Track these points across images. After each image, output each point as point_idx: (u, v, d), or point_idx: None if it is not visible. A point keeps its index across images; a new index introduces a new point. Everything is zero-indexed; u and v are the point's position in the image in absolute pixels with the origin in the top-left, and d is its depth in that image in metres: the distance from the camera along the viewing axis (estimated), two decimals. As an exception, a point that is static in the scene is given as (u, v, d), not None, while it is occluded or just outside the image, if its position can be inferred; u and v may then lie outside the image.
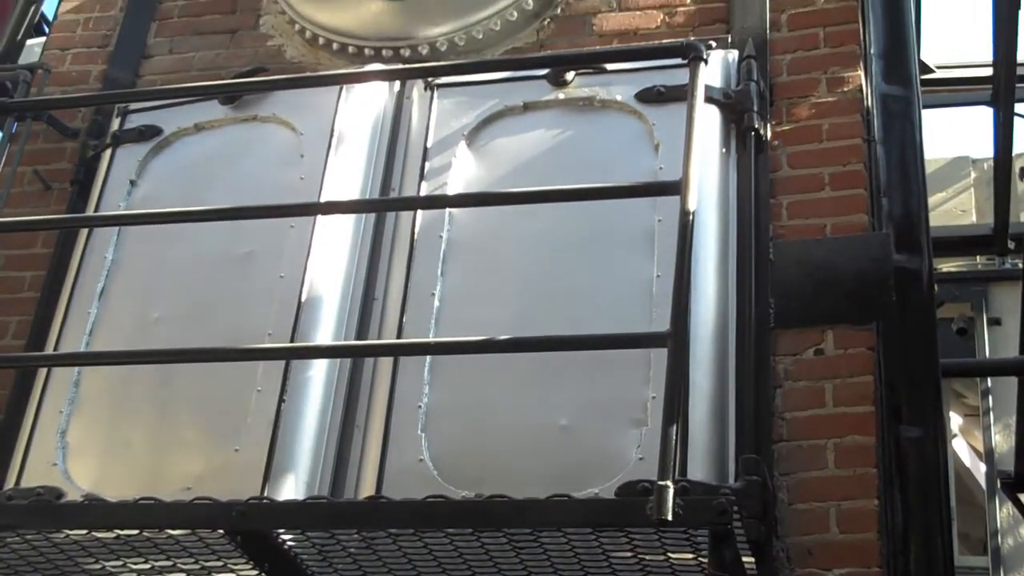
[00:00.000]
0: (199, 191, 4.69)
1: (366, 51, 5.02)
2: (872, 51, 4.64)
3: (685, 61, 3.71)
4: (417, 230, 4.37)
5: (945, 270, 9.51)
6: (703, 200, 4.01)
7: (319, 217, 4.38)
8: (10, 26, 5.17)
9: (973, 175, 10.71)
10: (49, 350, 4.54)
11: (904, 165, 4.45)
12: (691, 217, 3.40)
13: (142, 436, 4.25)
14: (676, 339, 3.23)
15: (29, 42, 6.66)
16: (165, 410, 4.25)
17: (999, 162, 8.71)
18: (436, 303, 4.24)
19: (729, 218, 4.25)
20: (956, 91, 9.92)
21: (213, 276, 4.48)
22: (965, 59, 10.33)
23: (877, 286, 4.15)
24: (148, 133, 4.90)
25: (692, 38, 4.68)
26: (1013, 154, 8.83)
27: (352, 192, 4.50)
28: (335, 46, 5.10)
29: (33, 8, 5.22)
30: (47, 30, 6.16)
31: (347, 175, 4.53)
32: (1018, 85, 8.46)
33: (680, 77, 3.95)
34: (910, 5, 4.79)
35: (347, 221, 4.43)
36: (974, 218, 10.44)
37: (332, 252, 4.36)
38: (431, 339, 4.13)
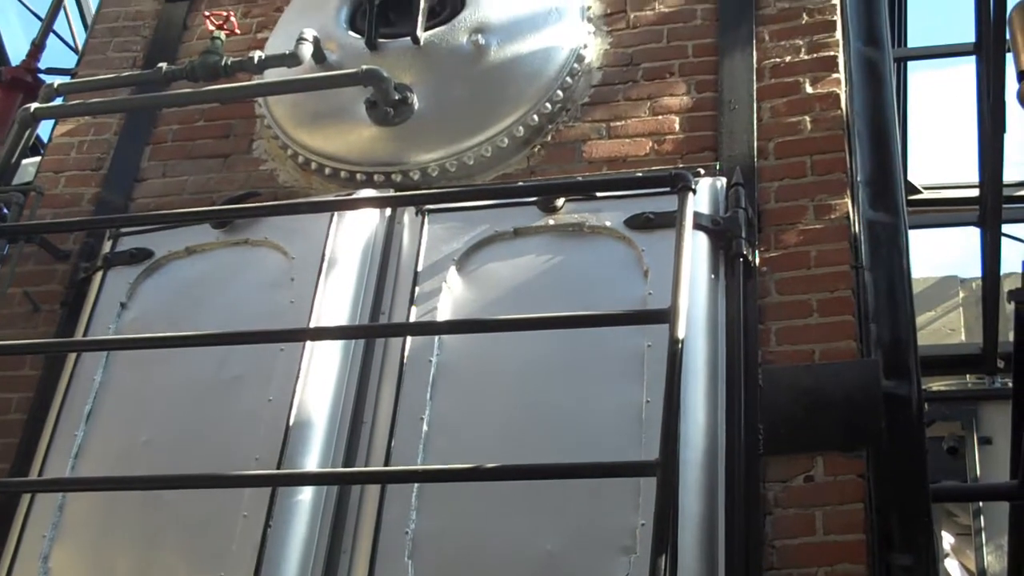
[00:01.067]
0: (189, 314, 4.71)
1: (358, 176, 5.06)
2: (859, 178, 4.69)
3: (674, 190, 3.76)
4: (406, 354, 4.37)
5: (935, 389, 9.53)
6: (692, 326, 4.03)
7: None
8: (4, 149, 5.20)
9: (961, 294, 10.79)
10: (35, 473, 4.50)
11: (892, 291, 4.47)
12: (680, 346, 3.40)
13: (127, 562, 4.21)
14: (665, 468, 3.21)
15: (24, 161, 6.72)
16: (150, 535, 4.21)
17: (987, 282, 8.78)
18: (425, 428, 4.22)
19: (718, 344, 4.26)
20: (943, 211, 10.02)
21: (202, 399, 4.47)
22: (951, 179, 10.45)
23: (867, 413, 4.14)
24: (139, 256, 4.93)
25: (681, 166, 4.75)
26: (1001, 274, 8.90)
27: (342, 315, 4.51)
28: (327, 171, 5.14)
29: (28, 131, 5.24)
30: (42, 151, 6.20)
31: (337, 299, 4.54)
32: (1005, 206, 8.56)
33: (669, 203, 3.98)
34: (896, 133, 4.85)
35: (336, 345, 4.43)
36: (963, 337, 10.50)
37: (321, 376, 4.35)
38: (419, 467, 4.11)
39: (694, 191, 3.81)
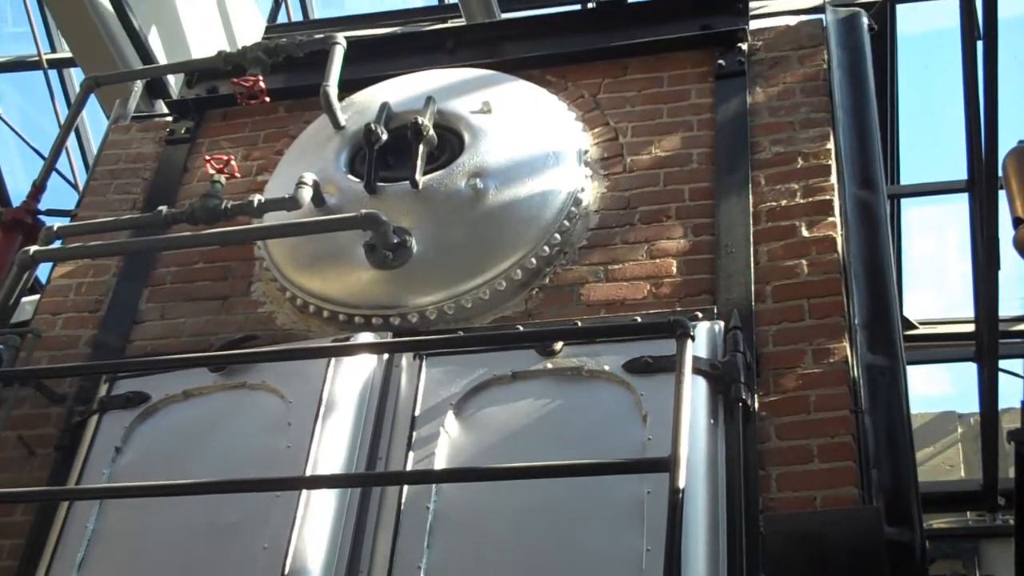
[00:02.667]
0: (185, 458, 4.68)
1: (356, 319, 5.07)
2: (856, 321, 4.69)
3: (673, 337, 3.76)
4: (403, 501, 4.33)
5: (936, 526, 9.43)
6: (692, 473, 3.99)
7: (305, 488, 4.35)
8: (3, 291, 5.21)
9: (960, 430, 10.74)
10: (26, 623, 4.43)
11: (892, 436, 4.44)
12: (681, 495, 3.38)
13: None
14: (668, 622, 3.17)
15: (23, 299, 6.73)
16: None
17: (985, 417, 8.76)
18: (422, 576, 4.17)
19: (718, 490, 4.22)
20: (940, 347, 10.03)
21: (196, 547, 4.42)
22: (946, 313, 10.48)
23: (869, 560, 4.08)
24: (135, 400, 4.91)
25: (679, 309, 4.76)
26: (999, 409, 8.88)
27: (339, 460, 4.48)
28: (325, 313, 5.15)
29: (27, 274, 5.26)
30: (40, 291, 6.21)
31: (334, 444, 4.51)
32: (1001, 341, 8.57)
33: (667, 347, 3.98)
34: (892, 275, 4.86)
35: (333, 491, 4.39)
36: (963, 473, 10.42)
37: (317, 523, 4.30)
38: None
39: (693, 338, 3.82)
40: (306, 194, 5.17)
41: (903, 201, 10.25)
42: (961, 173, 8.69)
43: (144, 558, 4.45)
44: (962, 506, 9.60)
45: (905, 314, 9.43)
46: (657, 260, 5.03)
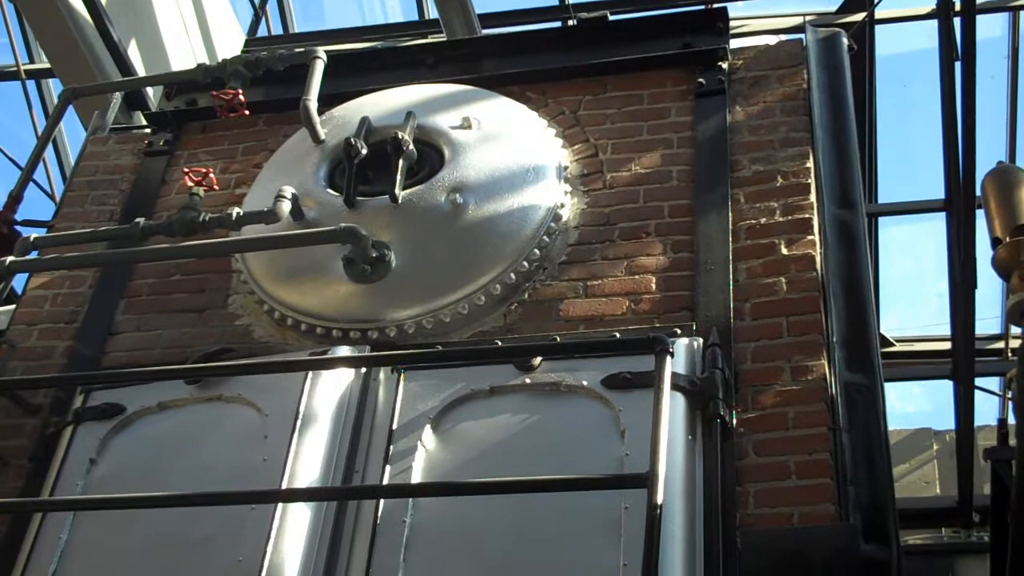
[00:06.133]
0: (160, 470, 4.66)
1: (334, 332, 5.05)
2: (834, 339, 4.70)
3: (652, 353, 3.76)
4: (380, 514, 4.31)
5: (911, 542, 9.45)
6: (670, 489, 3.97)
7: (281, 502, 4.33)
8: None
9: (935, 447, 10.79)
10: (-4, 636, 4.40)
11: (870, 454, 4.44)
12: (659, 512, 3.38)
13: None
14: (645, 639, 3.16)
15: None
16: None
17: (961, 435, 8.81)
18: (398, 590, 4.15)
19: (696, 506, 4.21)
20: (916, 364, 10.08)
21: (170, 559, 4.38)
22: (923, 331, 10.54)
23: (846, 578, 4.10)
24: (110, 411, 4.88)
25: (658, 326, 4.76)
26: (975, 426, 8.92)
27: (315, 473, 4.46)
28: (303, 327, 5.13)
29: (3, 284, 5.23)
30: (15, 301, 6.17)
31: (311, 457, 4.49)
32: (977, 359, 8.62)
33: (646, 363, 3.99)
34: (871, 295, 4.88)
35: (309, 504, 4.37)
36: (938, 489, 10.47)
37: (292, 536, 4.28)
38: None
39: (672, 354, 3.82)
40: (285, 207, 5.15)
41: (881, 219, 10.31)
42: (939, 192, 8.75)
43: (117, 570, 4.42)
44: (937, 522, 9.64)
45: (882, 331, 9.48)
46: (636, 276, 5.03)
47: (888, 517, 4.34)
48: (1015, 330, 7.07)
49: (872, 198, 9.88)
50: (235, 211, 5.22)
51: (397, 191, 5.12)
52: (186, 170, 5.50)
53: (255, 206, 5.33)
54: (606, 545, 4.08)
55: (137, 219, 5.34)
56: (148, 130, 6.40)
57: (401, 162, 5.18)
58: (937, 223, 8.82)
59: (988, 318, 10.22)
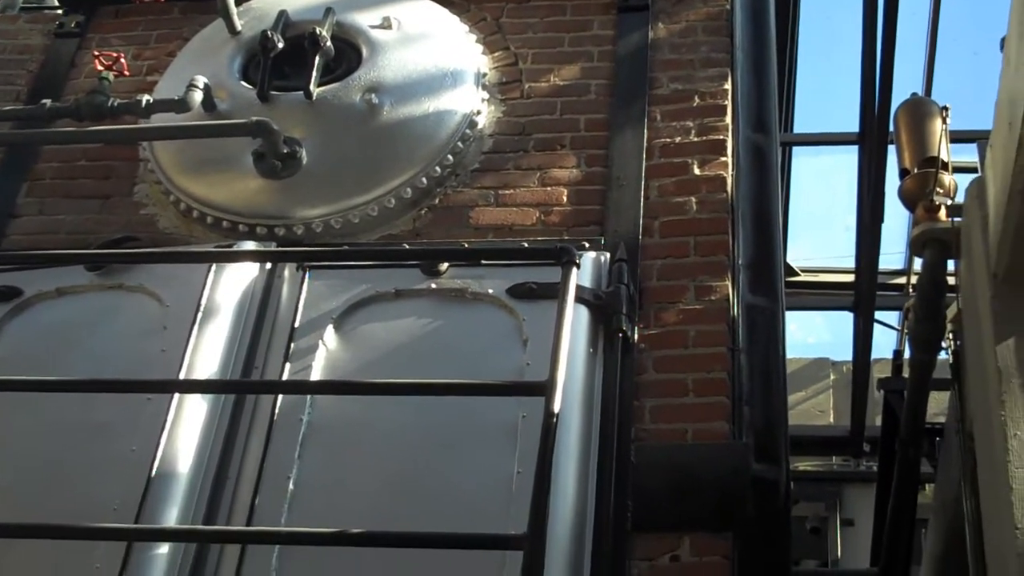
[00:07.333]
0: (57, 356, 4.59)
1: (240, 227, 4.99)
2: (740, 262, 4.74)
3: (558, 263, 3.76)
4: (277, 411, 4.30)
5: (801, 469, 9.64)
6: (568, 400, 4.00)
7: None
8: None
9: (832, 377, 10.97)
10: None
11: (767, 376, 4.51)
12: (555, 420, 3.39)
13: (-28, 609, 4.06)
14: (532, 543, 3.19)
15: None
16: (-1, 584, 4.08)
17: (858, 366, 8.96)
18: (291, 487, 4.15)
19: (593, 418, 4.25)
20: (820, 295, 10.20)
21: (64, 445, 4.34)
22: (829, 263, 10.65)
23: (735, 496, 4.17)
24: (8, 294, 4.78)
25: (566, 238, 4.76)
26: (872, 359, 9.08)
27: (214, 367, 4.43)
28: (209, 220, 5.06)
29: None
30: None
31: (210, 350, 4.46)
32: (879, 293, 8.75)
33: (552, 275, 3.98)
34: (779, 220, 4.93)
35: (205, 397, 4.35)
36: (831, 419, 10.66)
37: (187, 428, 4.26)
38: (281, 529, 4.02)
39: (578, 266, 3.82)
40: (196, 97, 5.06)
41: (795, 150, 10.37)
42: (855, 127, 8.79)
43: (7, 455, 4.36)
44: (828, 451, 9.84)
45: (789, 261, 9.58)
46: (548, 188, 5.03)
47: (779, 439, 4.42)
48: (917, 266, 7.19)
49: (788, 128, 9.92)
50: (145, 98, 5.12)
51: (312, 87, 5.05)
52: (97, 53, 5.39)
53: (166, 94, 5.22)
54: (502, 453, 4.11)
55: (44, 100, 5.24)
56: (60, 11, 6.23)
57: (318, 58, 5.10)
58: (850, 157, 8.87)
59: (893, 253, 10.37)
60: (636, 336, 4.51)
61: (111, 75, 5.21)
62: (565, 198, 4.98)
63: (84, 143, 5.39)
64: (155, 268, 4.69)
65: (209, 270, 4.61)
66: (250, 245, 4.84)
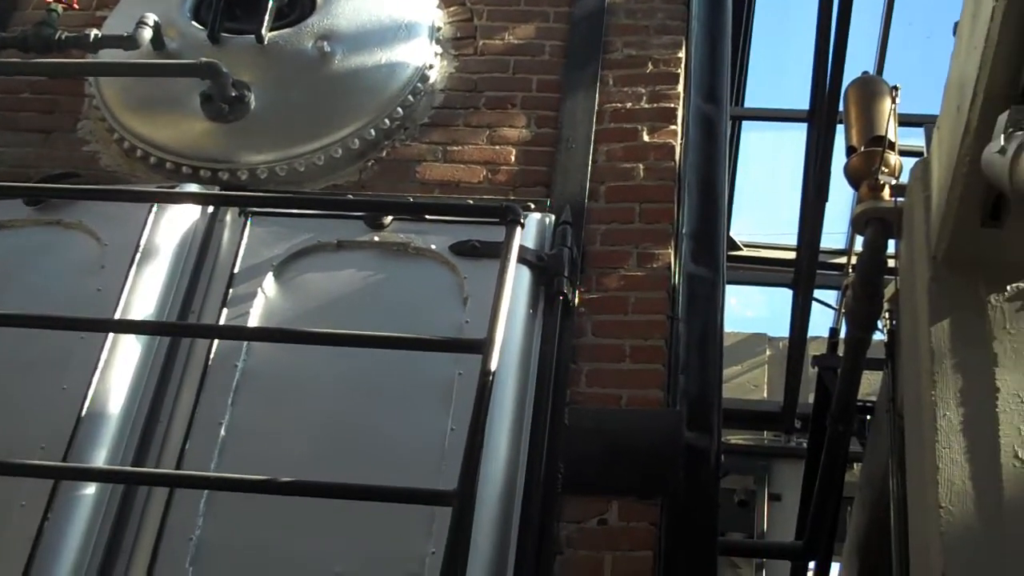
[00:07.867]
0: (-9, 290, 4.52)
1: (184, 169, 4.94)
2: (684, 231, 4.75)
3: (502, 223, 3.75)
4: (212, 356, 4.27)
5: (733, 442, 9.73)
6: (505, 359, 4.00)
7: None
8: None
9: (768, 352, 11.06)
10: None
11: (703, 345, 4.53)
12: (491, 378, 3.39)
13: None
14: (462, 500, 3.19)
15: None
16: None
17: (794, 343, 9.02)
18: (222, 433, 4.13)
19: (529, 379, 4.25)
20: (760, 270, 10.26)
21: (-7, 380, 4.29)
22: (771, 239, 10.72)
23: (666, 463, 4.19)
24: (-59, 225, 4.71)
25: (512, 198, 4.76)
26: (808, 336, 9.15)
27: (150, 309, 4.39)
28: (152, 160, 5.00)
29: None
30: None
31: (147, 292, 4.42)
32: (819, 271, 8.80)
33: (496, 234, 3.96)
34: (724, 192, 4.94)
35: (140, 339, 4.31)
36: (765, 394, 10.76)
37: (120, 369, 4.22)
38: (209, 474, 4.00)
39: (522, 226, 3.81)
40: (146, 35, 5.00)
41: (745, 124, 10.40)
42: (803, 106, 8.82)
43: (-67, 388, 4.31)
44: (760, 425, 9.93)
45: (732, 234, 9.63)
46: (497, 147, 5.01)
47: (713, 409, 4.45)
48: (859, 247, 7.23)
49: (739, 101, 9.95)
50: (93, 33, 5.06)
51: (264, 31, 4.99)
52: (45, -16, 5.29)
53: (116, 31, 5.14)
54: (437, 409, 4.11)
55: (-11, 30, 5.15)
56: (8, -61, 6.11)
57: (271, 2, 5.04)
58: (798, 135, 8.91)
59: (836, 233, 10.43)
60: (576, 299, 4.51)
61: (60, 7, 5.14)
62: (513, 158, 4.97)
63: (29, 75, 5.31)
64: (95, 206, 4.63)
65: (150, 211, 4.56)
66: (193, 187, 4.80)
